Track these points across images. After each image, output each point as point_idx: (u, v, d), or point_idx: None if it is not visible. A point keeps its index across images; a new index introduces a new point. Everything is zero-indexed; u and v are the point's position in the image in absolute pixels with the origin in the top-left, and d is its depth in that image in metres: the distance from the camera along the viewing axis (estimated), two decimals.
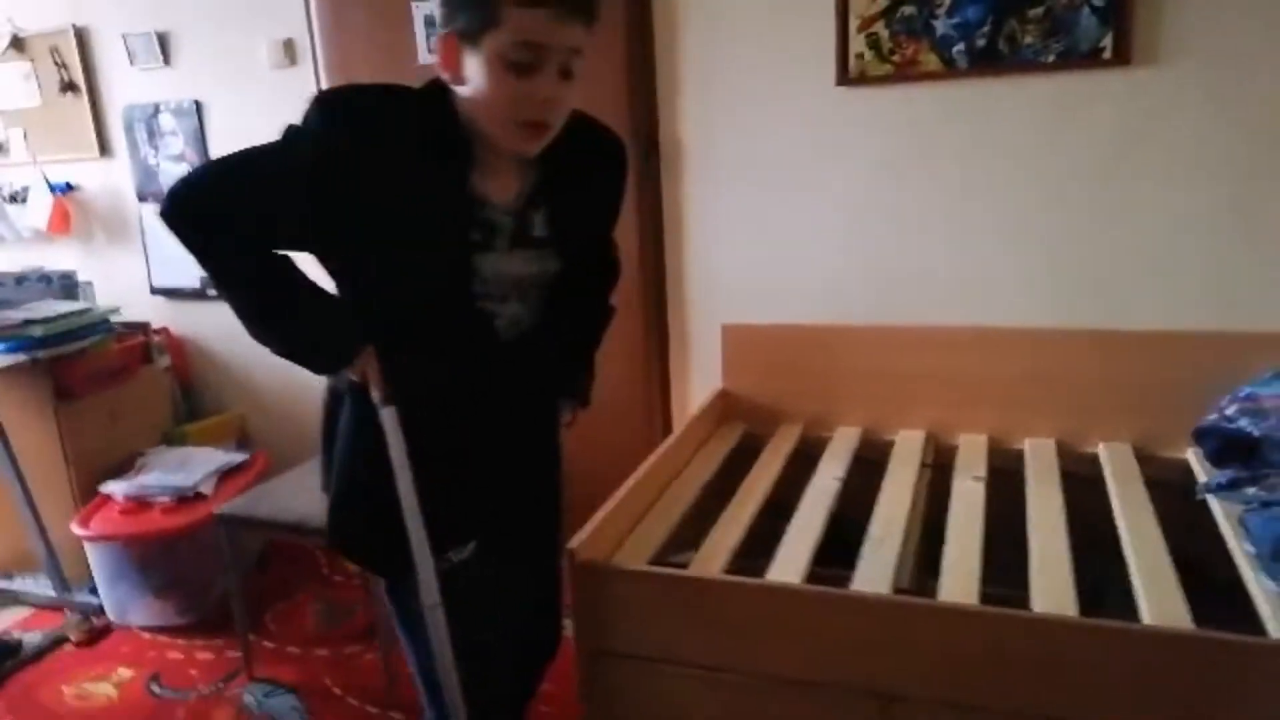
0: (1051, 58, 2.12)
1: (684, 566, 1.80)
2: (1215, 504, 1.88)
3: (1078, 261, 2.25)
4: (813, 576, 1.76)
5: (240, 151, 1.26)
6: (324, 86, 2.92)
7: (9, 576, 3.12)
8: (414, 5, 2.66)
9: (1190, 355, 2.18)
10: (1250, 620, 1.53)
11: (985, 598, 1.63)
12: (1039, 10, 2.11)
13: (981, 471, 2.16)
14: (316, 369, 1.34)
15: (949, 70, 2.21)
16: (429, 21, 2.68)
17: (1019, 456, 2.25)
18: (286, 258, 1.29)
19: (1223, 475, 1.91)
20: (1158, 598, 1.60)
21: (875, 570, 1.75)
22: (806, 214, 2.46)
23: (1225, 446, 1.98)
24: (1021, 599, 1.61)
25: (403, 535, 1.35)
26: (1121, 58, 2.07)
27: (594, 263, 1.57)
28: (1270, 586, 1.56)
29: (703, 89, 2.48)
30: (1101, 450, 2.23)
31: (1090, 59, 2.10)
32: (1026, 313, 2.31)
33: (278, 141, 1.25)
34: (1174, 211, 2.15)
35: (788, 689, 1.65)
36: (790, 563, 1.79)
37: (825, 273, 2.48)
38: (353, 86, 1.29)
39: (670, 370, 2.71)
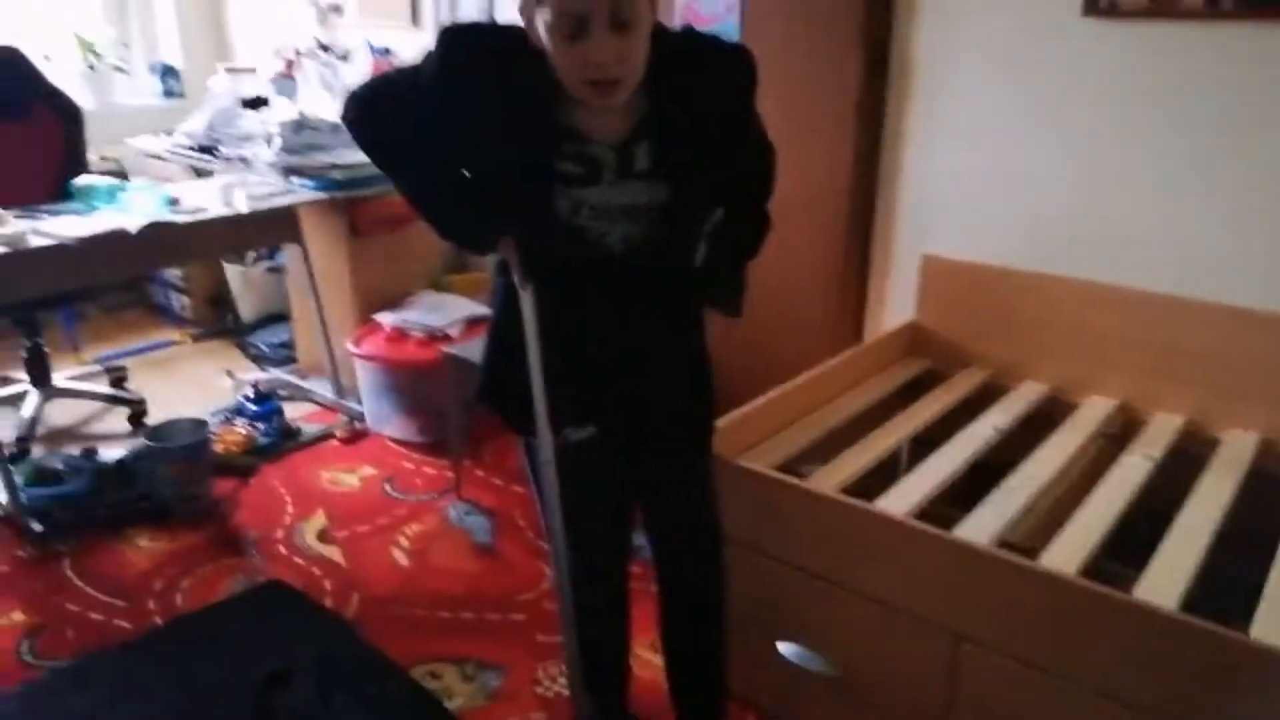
0: None
1: (804, 477, 1.91)
2: None
3: None
4: (928, 514, 1.82)
5: (395, 69, 1.51)
6: None
7: (304, 377, 3.80)
8: None
9: None
10: None
11: (1098, 573, 1.62)
12: None
13: (1157, 452, 2.05)
14: (469, 250, 1.56)
15: (1213, 10, 2.00)
16: None
17: (1213, 445, 2.11)
18: (440, 157, 1.49)
19: None
20: None
21: (988, 520, 1.78)
22: (1031, 150, 2.35)
23: None
24: (1131, 583, 1.59)
25: (531, 399, 1.56)
26: None
27: (733, 181, 1.55)
28: None
29: (942, 3, 2.40)
30: None
31: None
32: (1254, 295, 2.10)
33: (417, 63, 1.46)
34: None
35: (870, 606, 1.76)
36: (906, 495, 1.85)
37: (1042, 215, 2.37)
38: (471, 22, 1.46)
39: (869, 294, 2.73)
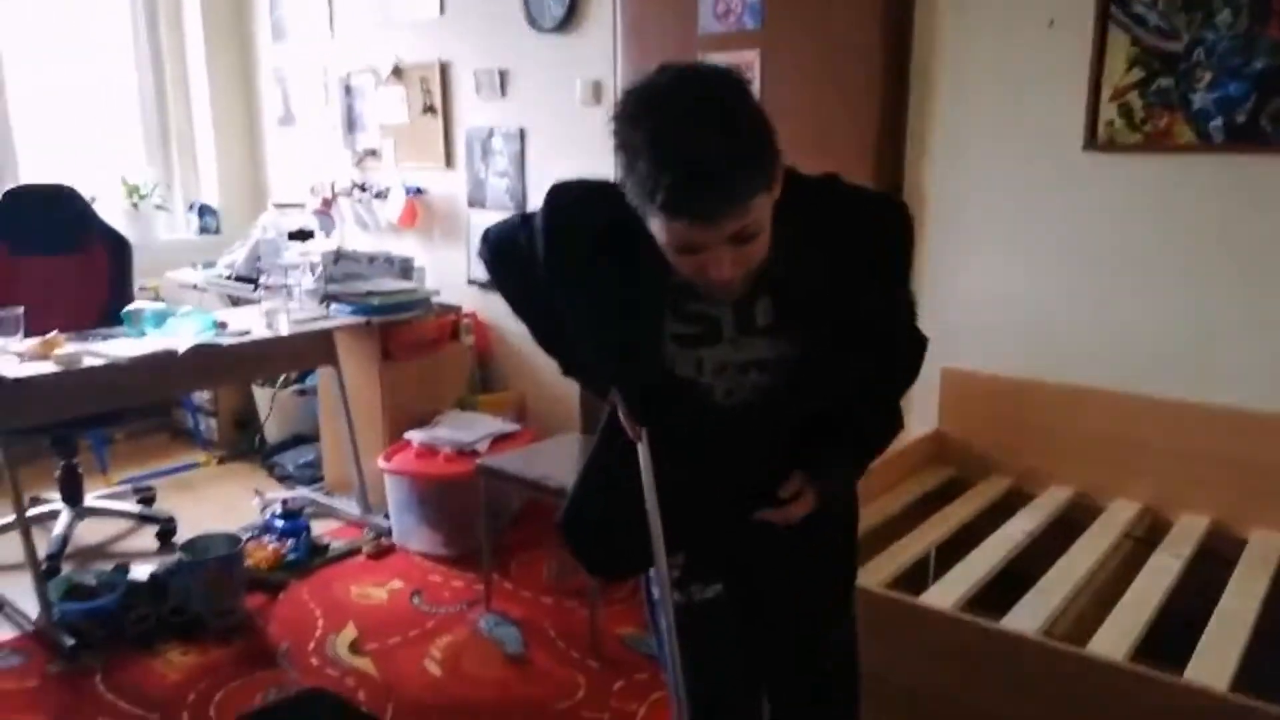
0: None
1: None
2: None
3: None
4: (967, 610, 1.86)
5: (520, 216, 1.47)
6: None
7: (330, 495, 3.85)
8: None
9: None
10: None
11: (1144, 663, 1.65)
12: None
13: (1186, 551, 2.10)
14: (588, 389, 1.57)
15: (1203, 144, 2.18)
16: None
17: (1241, 545, 2.16)
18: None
19: None
20: None
21: (1026, 617, 1.81)
22: (1041, 271, 2.51)
23: None
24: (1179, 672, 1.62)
25: (616, 544, 1.51)
26: None
27: (867, 349, 1.34)
28: None
29: (950, 144, 2.61)
30: None
31: None
32: (1263, 396, 2.20)
33: (531, 216, 1.40)
34: None
35: (921, 700, 1.78)
36: (943, 595, 1.89)
37: (1052, 329, 2.51)
38: (578, 181, 1.35)
39: None
